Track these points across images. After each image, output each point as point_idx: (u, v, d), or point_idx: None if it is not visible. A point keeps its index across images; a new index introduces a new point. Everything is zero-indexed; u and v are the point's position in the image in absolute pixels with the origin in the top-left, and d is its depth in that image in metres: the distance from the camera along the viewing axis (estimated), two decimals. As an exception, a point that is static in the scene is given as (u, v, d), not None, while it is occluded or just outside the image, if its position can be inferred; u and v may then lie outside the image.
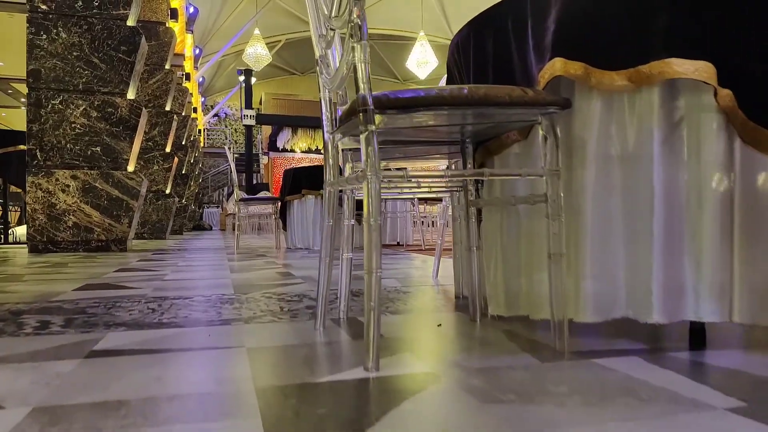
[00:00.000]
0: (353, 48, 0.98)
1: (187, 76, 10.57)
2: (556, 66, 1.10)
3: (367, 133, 0.99)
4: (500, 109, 1.04)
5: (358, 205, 2.46)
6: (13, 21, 8.13)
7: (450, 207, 2.33)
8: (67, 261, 3.57)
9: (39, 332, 1.32)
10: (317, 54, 1.23)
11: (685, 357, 1.04)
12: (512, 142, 1.32)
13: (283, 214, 4.95)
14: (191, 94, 13.14)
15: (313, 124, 20.57)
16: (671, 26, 1.03)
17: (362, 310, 1.57)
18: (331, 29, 1.12)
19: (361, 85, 0.99)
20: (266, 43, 16.86)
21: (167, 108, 7.48)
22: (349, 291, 1.50)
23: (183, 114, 10.26)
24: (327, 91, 1.23)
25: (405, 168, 1.27)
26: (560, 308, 1.08)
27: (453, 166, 1.75)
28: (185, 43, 10.54)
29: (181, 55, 10.38)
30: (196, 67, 14.70)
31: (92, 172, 4.38)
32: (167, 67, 7.53)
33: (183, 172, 10.25)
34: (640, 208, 1.10)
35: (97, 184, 4.38)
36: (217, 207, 17.55)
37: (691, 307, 1.08)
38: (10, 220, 8.33)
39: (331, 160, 1.26)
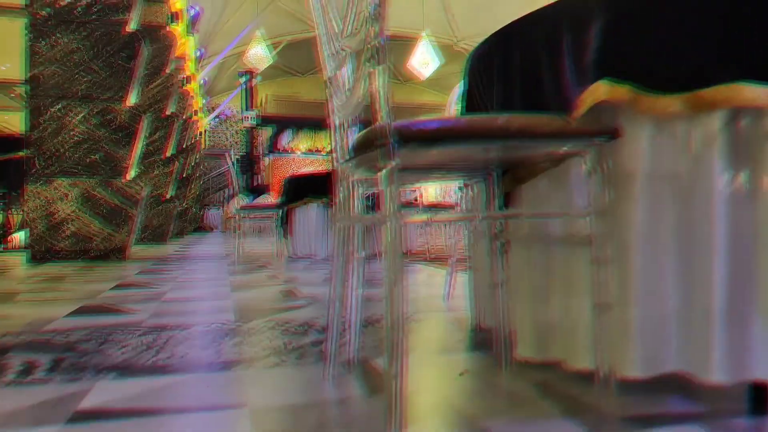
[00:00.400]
0: (372, 73, 0.84)
1: (188, 79, 10.42)
2: (601, 91, 0.96)
3: (388, 169, 0.84)
4: (539, 142, 0.90)
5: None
6: (17, 25, 7.99)
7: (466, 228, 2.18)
8: (64, 274, 3.43)
9: (20, 380, 1.17)
10: (326, 74, 1.08)
11: (750, 425, 0.90)
12: (542, 169, 1.18)
13: (284, 222, 4.80)
14: (192, 96, 13.00)
15: (314, 125, 20.43)
16: (739, 44, 0.88)
17: (375, 347, 1.43)
18: (343, 49, 0.97)
19: (381, 115, 0.85)
20: (267, 45, 16.72)
21: (168, 112, 7.33)
22: (360, 322, 1.36)
23: (184, 117, 10.12)
24: (338, 117, 1.08)
25: (417, 192, 1.13)
26: (608, 364, 0.94)
27: (474, 188, 1.60)
28: (186, 46, 10.38)
29: (182, 59, 10.22)
30: (199, 68, 14.54)
31: (92, 180, 4.24)
32: (168, 71, 7.37)
33: (184, 175, 10.11)
34: (698, 250, 0.96)
35: (96, 193, 4.24)
36: (219, 209, 17.41)
37: (760, 365, 0.94)
38: (13, 224, 8.19)
39: (342, 193, 1.12)
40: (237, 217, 4.70)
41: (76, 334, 1.62)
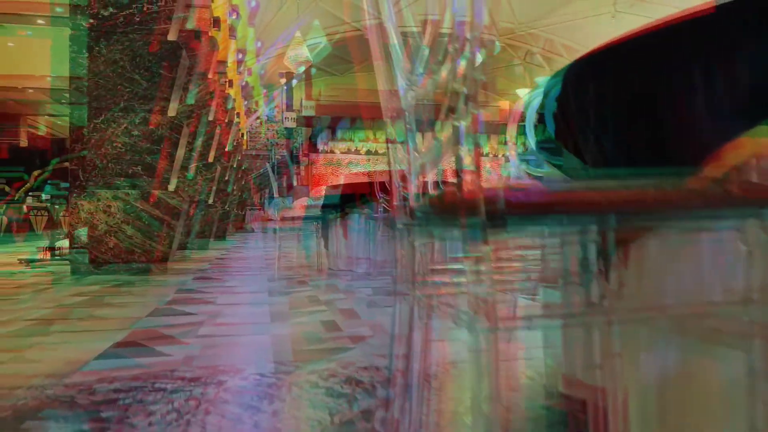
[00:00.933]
0: (460, 126, 0.61)
1: (230, 83, 10.44)
2: (760, 145, 0.70)
3: (484, 253, 0.62)
4: (686, 218, 0.65)
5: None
6: (64, 34, 8.14)
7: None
8: (104, 292, 3.35)
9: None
10: (388, 115, 0.86)
11: None
12: (653, 228, 0.92)
13: (324, 232, 4.63)
14: (234, 99, 13.08)
15: (351, 125, 20.34)
16: None
17: (439, 423, 1.20)
18: (413, 89, 0.75)
19: (471, 179, 0.62)
20: (308, 45, 16.70)
21: (210, 118, 7.30)
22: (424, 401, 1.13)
23: (226, 121, 10.14)
24: (404, 164, 0.86)
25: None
26: None
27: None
28: (228, 50, 10.40)
29: (224, 63, 10.24)
30: (258, 61, 14.62)
31: (133, 192, 4.17)
32: (210, 76, 7.33)
33: (225, 178, 10.13)
34: None
35: (138, 205, 4.17)
36: (260, 210, 17.53)
37: None
38: (65, 227, 8.37)
39: (406, 260, 0.89)
40: (276, 224, 4.56)
41: (102, 389, 1.46)
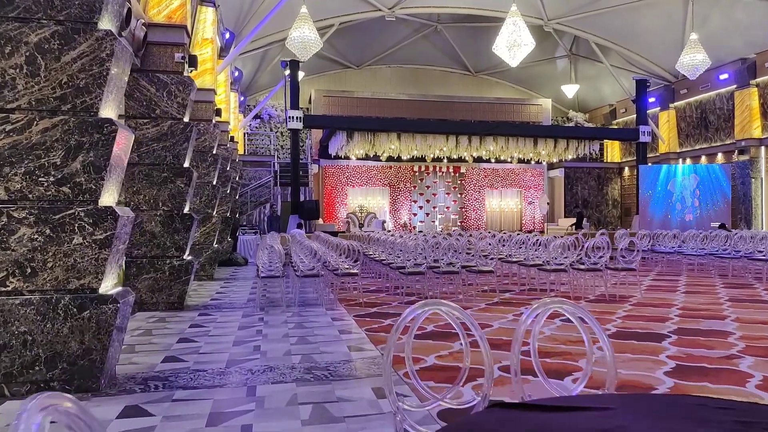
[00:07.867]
0: None
1: (192, 60, 6.38)
2: None
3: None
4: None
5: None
6: None
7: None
8: None
9: None
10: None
11: None
12: None
13: None
14: (214, 91, 9.05)
15: (371, 126, 16.26)
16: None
17: None
18: None
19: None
20: (318, 27, 12.65)
21: (103, 114, 3.28)
22: None
23: (185, 120, 6.16)
24: None
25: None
26: None
27: None
28: (185, 11, 6.38)
29: (182, 27, 6.23)
30: (221, 56, 10.58)
31: None
32: (102, 25, 3.32)
33: (185, 210, 6.16)
34: None
35: None
36: (256, 233, 13.49)
37: None
38: None
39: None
40: None
41: None
